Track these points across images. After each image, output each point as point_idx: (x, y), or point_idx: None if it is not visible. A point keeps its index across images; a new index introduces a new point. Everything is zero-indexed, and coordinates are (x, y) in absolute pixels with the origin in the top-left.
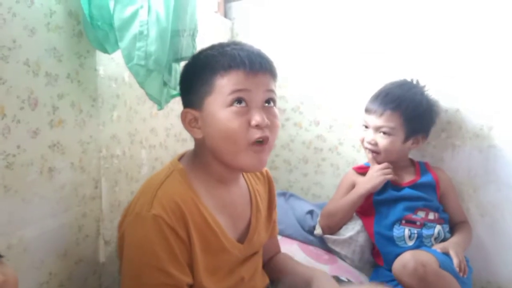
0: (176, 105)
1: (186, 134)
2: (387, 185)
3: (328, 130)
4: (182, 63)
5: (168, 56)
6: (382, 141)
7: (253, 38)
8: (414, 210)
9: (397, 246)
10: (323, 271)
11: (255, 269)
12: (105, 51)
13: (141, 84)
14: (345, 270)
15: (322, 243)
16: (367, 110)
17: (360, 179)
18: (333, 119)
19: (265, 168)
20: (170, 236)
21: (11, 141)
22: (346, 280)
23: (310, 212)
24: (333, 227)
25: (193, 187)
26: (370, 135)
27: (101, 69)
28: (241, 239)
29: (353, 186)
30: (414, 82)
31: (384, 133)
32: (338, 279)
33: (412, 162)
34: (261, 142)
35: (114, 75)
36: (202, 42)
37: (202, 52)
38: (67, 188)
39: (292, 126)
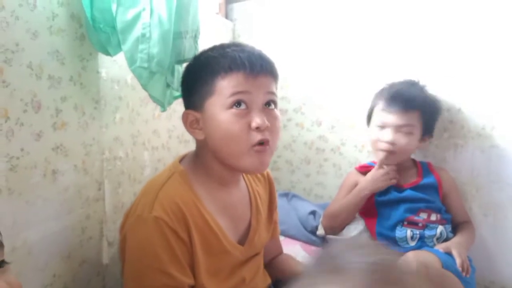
0: (179, 106)
1: (188, 136)
2: (390, 187)
3: (330, 130)
4: (184, 65)
5: (171, 58)
6: (401, 140)
7: (255, 39)
8: (416, 211)
9: (400, 246)
10: None
11: (256, 270)
12: (107, 53)
13: (144, 86)
14: None
15: (324, 244)
16: (386, 109)
17: (362, 178)
18: (335, 120)
19: (266, 170)
20: (171, 237)
21: (14, 144)
22: None
23: (313, 213)
24: (335, 228)
25: (194, 189)
26: (388, 135)
27: (104, 72)
28: (242, 241)
29: (355, 186)
30: (419, 81)
31: (403, 132)
32: None
33: (414, 162)
34: (262, 143)
35: (116, 77)
36: (204, 44)
37: (203, 53)
38: (70, 190)
39: (294, 126)
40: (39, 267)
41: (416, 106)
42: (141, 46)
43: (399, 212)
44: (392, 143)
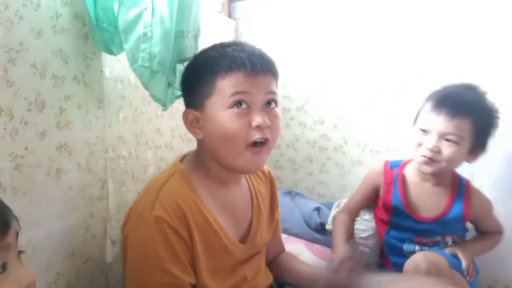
0: (181, 105)
1: (191, 135)
2: (405, 215)
3: (332, 129)
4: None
5: (172, 57)
6: (445, 150)
7: (257, 38)
8: (431, 237)
9: (406, 257)
10: None
11: (258, 268)
12: (111, 52)
13: (146, 86)
14: None
15: (328, 242)
16: (433, 112)
17: (383, 180)
18: (337, 118)
19: (268, 168)
20: (172, 237)
21: (19, 142)
22: None
23: (317, 209)
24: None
25: (194, 188)
26: (432, 141)
27: (107, 71)
28: (243, 239)
29: (374, 189)
30: (479, 86)
31: (449, 140)
32: None
33: (452, 180)
34: (261, 143)
35: (120, 76)
36: (207, 43)
37: (202, 52)
38: (74, 189)
39: (297, 125)
40: (43, 265)
41: (466, 113)
42: (142, 45)
43: (411, 234)
44: (436, 151)
